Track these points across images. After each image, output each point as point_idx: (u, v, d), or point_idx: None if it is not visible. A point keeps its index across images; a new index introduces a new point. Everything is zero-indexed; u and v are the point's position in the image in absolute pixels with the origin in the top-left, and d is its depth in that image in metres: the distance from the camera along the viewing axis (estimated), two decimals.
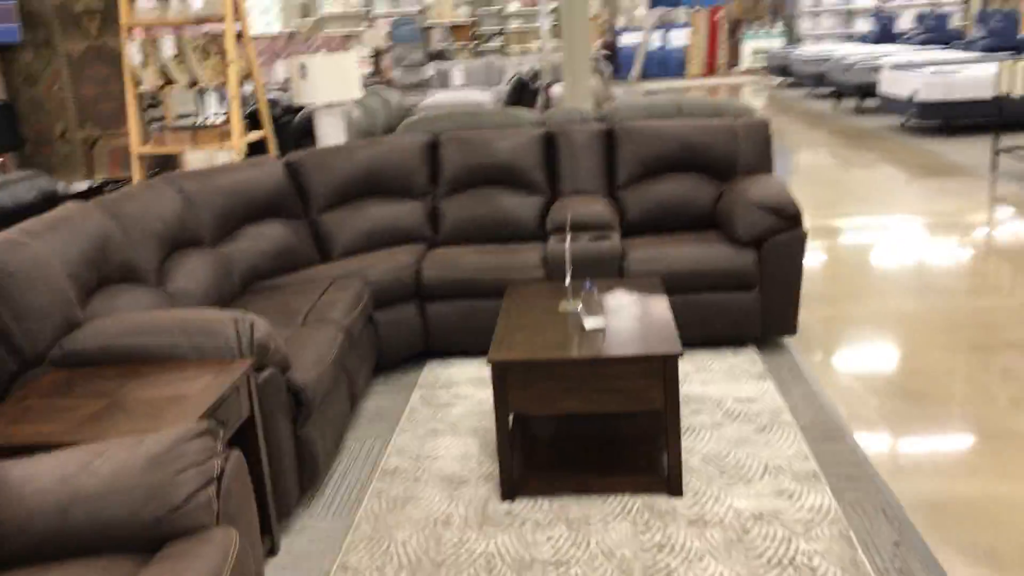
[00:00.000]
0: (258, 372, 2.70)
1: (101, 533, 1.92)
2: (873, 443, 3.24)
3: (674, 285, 4.04)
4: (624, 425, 3.33)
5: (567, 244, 3.32)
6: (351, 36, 15.67)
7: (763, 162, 4.57)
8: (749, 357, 4.06)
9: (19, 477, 1.99)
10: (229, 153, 5.57)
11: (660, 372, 2.84)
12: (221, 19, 5.07)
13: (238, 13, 5.23)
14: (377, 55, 15.07)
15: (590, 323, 3.06)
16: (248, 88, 6.00)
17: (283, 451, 2.81)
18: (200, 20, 5.10)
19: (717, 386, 3.77)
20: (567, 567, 2.58)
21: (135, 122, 5.09)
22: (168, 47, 5.02)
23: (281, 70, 13.26)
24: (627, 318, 3.16)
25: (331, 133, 5.49)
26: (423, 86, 13.96)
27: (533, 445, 3.25)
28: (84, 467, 1.98)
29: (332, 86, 5.37)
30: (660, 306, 3.27)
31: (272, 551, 2.75)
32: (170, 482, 1.93)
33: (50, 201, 3.58)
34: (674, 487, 2.94)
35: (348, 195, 4.53)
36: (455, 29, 17.54)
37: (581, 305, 3.10)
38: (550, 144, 4.68)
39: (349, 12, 17.44)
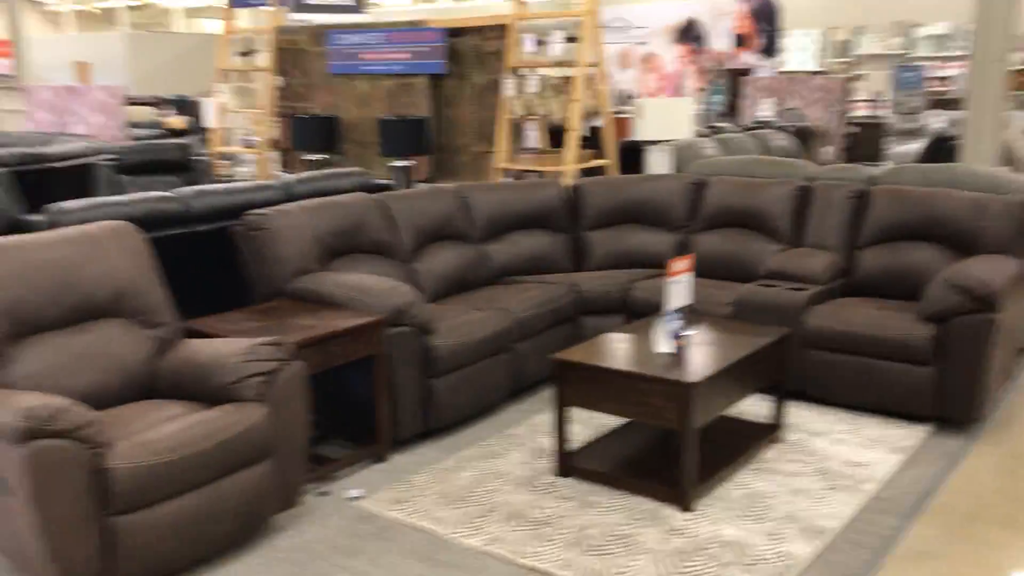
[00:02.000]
0: (393, 328, 3.73)
1: (196, 387, 3.14)
2: (923, 538, 3.17)
3: (846, 346, 4.12)
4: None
5: (690, 282, 3.76)
6: (854, 78, 15.62)
7: (1013, 244, 4.28)
8: (912, 432, 3.97)
9: (192, 349, 3.30)
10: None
11: (676, 396, 3.24)
12: (573, 64, 6.14)
13: (593, 61, 6.25)
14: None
15: (659, 346, 3.53)
16: (598, 121, 6.96)
17: (406, 391, 3.80)
18: (560, 64, 6.24)
19: (843, 447, 3.83)
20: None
21: (503, 142, 6.42)
22: (533, 85, 6.25)
23: (768, 106, 13.92)
24: (698, 351, 3.54)
25: (657, 166, 6.23)
26: (914, 134, 13.51)
27: (597, 438, 3.80)
28: (211, 347, 3.22)
29: (663, 125, 6.11)
30: (741, 347, 3.57)
31: (379, 458, 3.77)
32: (237, 366, 3.07)
33: (364, 190, 4.97)
34: (684, 502, 3.31)
35: (613, 219, 5.29)
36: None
37: (674, 332, 3.56)
38: (805, 197, 4.91)
39: (889, 52, 17.31)
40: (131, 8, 35.57)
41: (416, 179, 6.84)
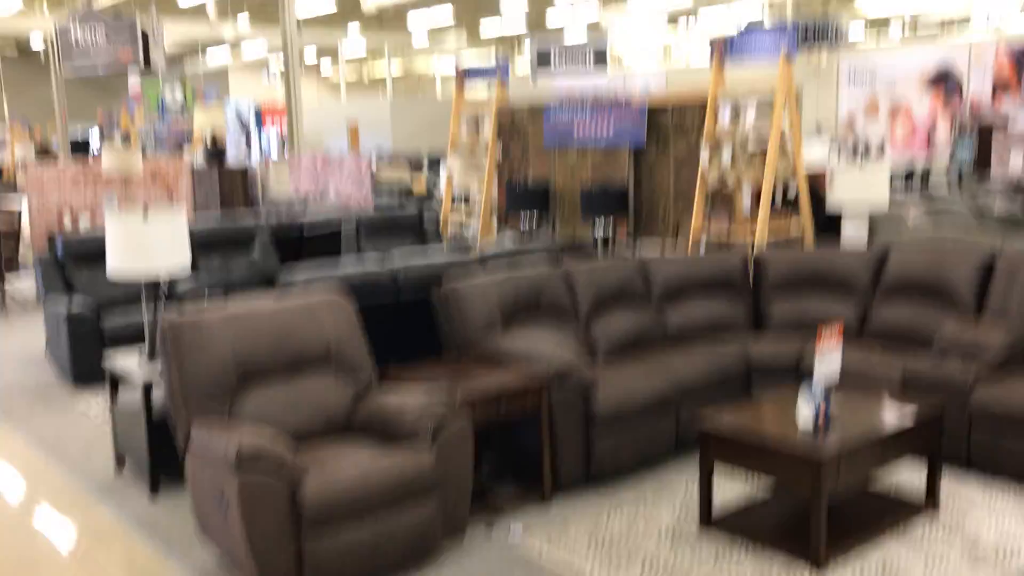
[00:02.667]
0: (557, 387, 4.17)
1: (383, 429, 3.73)
2: None
3: (1012, 426, 4.06)
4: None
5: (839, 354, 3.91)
6: None
7: None
8: None
9: (382, 397, 3.91)
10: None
11: (807, 467, 3.43)
12: (767, 135, 6.36)
13: (787, 130, 6.44)
14: None
15: (801, 416, 3.71)
16: (792, 185, 7.03)
17: (568, 443, 4.22)
18: (746, 137, 6.47)
19: (999, 522, 3.79)
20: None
21: (698, 209, 6.73)
22: (728, 155, 6.53)
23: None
24: (840, 423, 3.68)
25: (852, 233, 6.27)
26: None
27: (747, 497, 3.99)
28: (397, 396, 3.81)
29: (857, 191, 6.16)
30: (885, 422, 3.68)
31: (543, 496, 4.20)
32: (414, 415, 3.63)
33: (551, 258, 5.45)
34: (816, 565, 3.47)
35: (793, 286, 5.44)
36: None
37: (818, 402, 3.73)
38: (991, 267, 4.84)
39: None
40: (396, 78, 38.90)
41: (616, 242, 7.28)
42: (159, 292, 4.63)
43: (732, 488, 4.24)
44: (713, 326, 5.38)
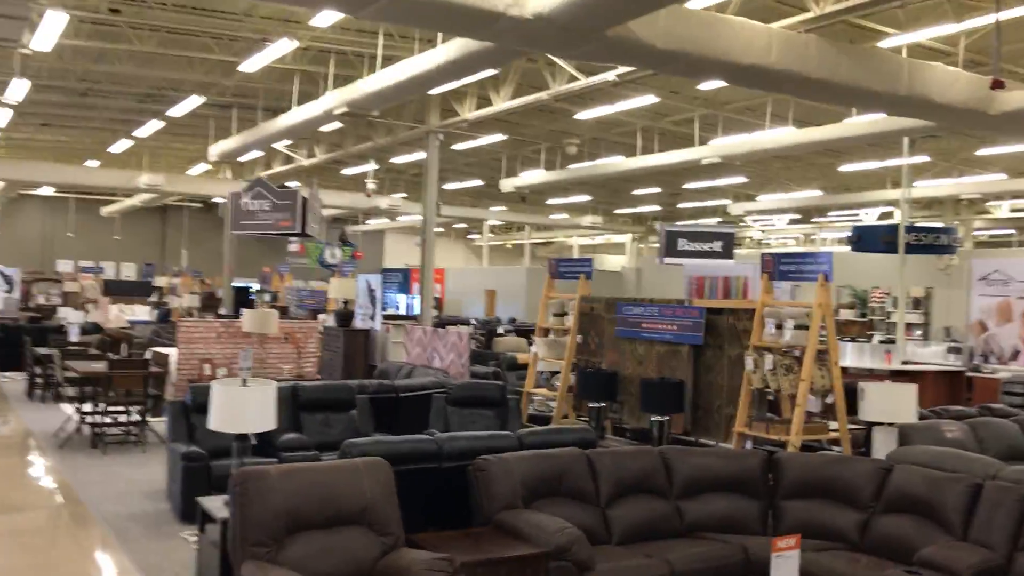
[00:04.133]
0: (555, 561, 4.82)
1: None
2: None
3: None
4: None
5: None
6: None
7: None
8: None
9: (401, 555, 4.68)
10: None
11: None
12: (803, 348, 6.97)
13: (822, 346, 7.02)
14: None
15: None
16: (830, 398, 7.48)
17: None
18: (790, 346, 7.09)
19: None
20: None
21: (743, 408, 7.31)
22: (769, 362, 7.15)
23: None
24: None
25: (881, 447, 6.67)
26: None
27: None
28: (411, 555, 4.57)
29: (885, 408, 6.63)
30: None
31: None
32: (419, 570, 4.38)
33: (585, 444, 6.14)
34: None
35: (806, 492, 5.91)
36: None
37: None
38: (978, 495, 5.22)
39: None
40: (536, 244, 40.87)
41: (672, 433, 7.89)
42: (246, 445, 5.63)
43: None
44: (728, 522, 5.88)
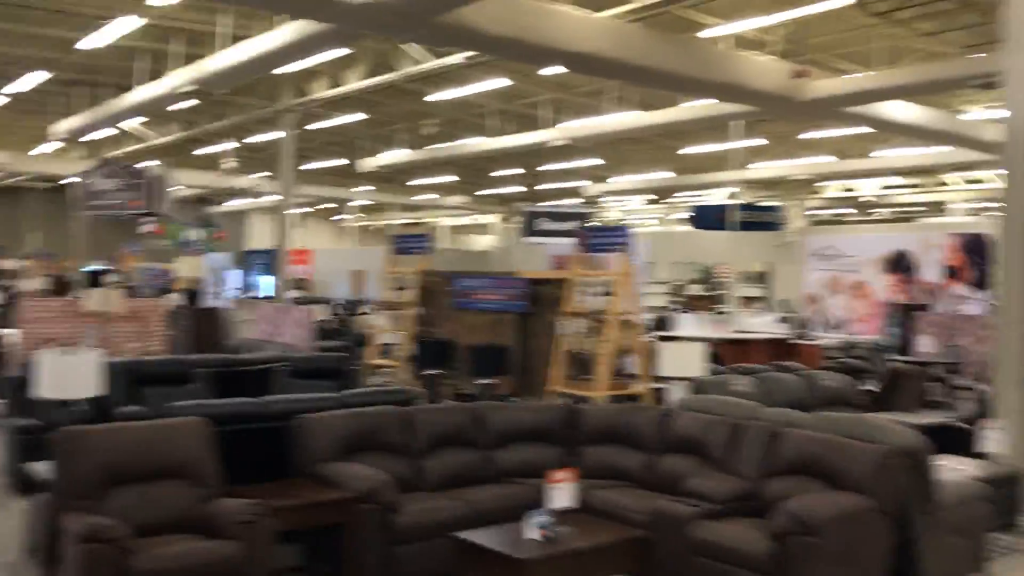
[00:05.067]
0: (362, 504, 5.30)
1: (210, 526, 4.88)
2: None
3: (709, 553, 5.14)
4: None
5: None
6: None
7: (871, 485, 5.16)
8: None
9: (217, 503, 5.07)
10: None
11: (510, 567, 4.53)
12: (605, 313, 7.67)
13: (625, 311, 7.75)
14: None
15: (526, 534, 4.82)
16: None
17: (369, 551, 5.32)
18: (596, 312, 7.79)
19: None
20: None
21: (557, 368, 7.97)
22: (577, 327, 7.83)
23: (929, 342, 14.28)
24: (557, 540, 4.79)
25: (674, 398, 7.45)
26: None
27: None
28: (224, 503, 4.97)
29: (679, 364, 7.40)
30: (590, 541, 4.78)
31: None
32: (230, 516, 4.79)
33: (403, 403, 6.65)
34: None
35: (604, 438, 6.59)
36: None
37: (541, 525, 4.84)
38: (738, 433, 6.00)
39: None
40: (406, 224, 41.10)
41: (499, 394, 8.50)
42: (76, 411, 5.88)
43: None
44: (533, 467, 6.48)
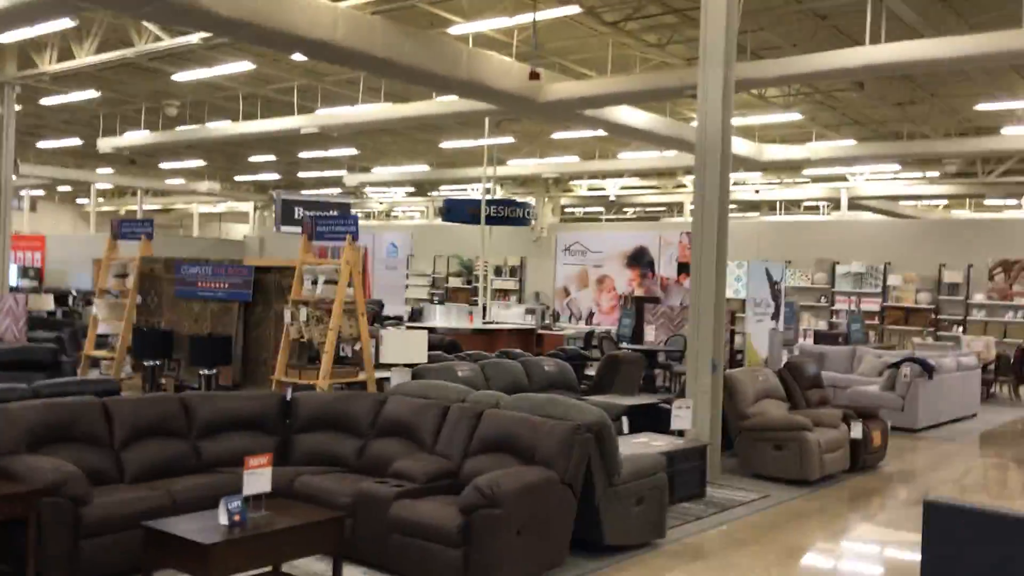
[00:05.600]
0: (47, 497, 5.05)
1: None
2: None
3: (407, 529, 5.34)
4: None
5: None
6: None
7: (557, 458, 5.56)
8: None
9: None
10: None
11: (200, 553, 4.49)
12: (331, 302, 7.72)
13: (349, 299, 7.82)
14: None
15: (219, 519, 4.78)
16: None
17: (55, 546, 5.07)
18: (322, 300, 7.82)
19: None
20: None
21: (283, 357, 7.91)
22: (304, 314, 7.81)
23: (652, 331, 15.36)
24: (250, 524, 4.80)
25: (397, 380, 7.63)
26: None
27: None
28: None
29: (402, 351, 7.57)
30: (283, 523, 4.83)
31: None
32: None
33: (107, 394, 6.40)
34: None
35: (318, 425, 6.64)
36: None
37: (233, 510, 4.81)
38: (445, 415, 6.25)
39: (813, 286, 19.02)
40: (155, 211, 38.88)
41: (222, 385, 8.31)
42: None
43: None
44: (243, 456, 6.41)
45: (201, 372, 8.15)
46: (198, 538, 4.55)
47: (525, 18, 12.72)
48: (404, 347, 7.61)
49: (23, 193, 33.69)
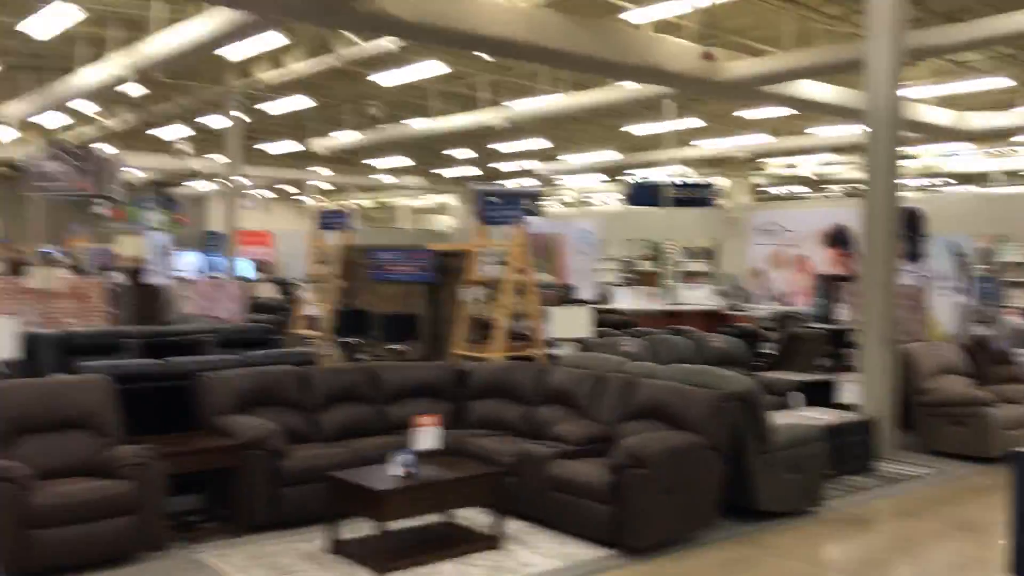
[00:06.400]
0: (251, 450, 5.88)
1: (108, 470, 5.45)
2: None
3: (561, 486, 5.78)
4: None
5: None
6: None
7: (705, 424, 5.81)
8: (591, 551, 5.50)
9: (117, 450, 5.64)
10: None
11: (376, 500, 5.14)
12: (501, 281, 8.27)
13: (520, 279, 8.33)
14: None
15: (390, 471, 5.42)
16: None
17: (256, 494, 5.90)
18: (494, 280, 8.38)
19: (535, 555, 5.45)
20: None
21: (460, 332, 8.56)
22: (477, 294, 8.42)
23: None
24: (419, 477, 5.40)
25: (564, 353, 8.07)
26: None
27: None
28: (122, 449, 5.53)
29: (568, 326, 8.01)
30: (448, 476, 5.40)
31: (235, 534, 5.85)
32: (124, 459, 5.36)
33: (304, 363, 7.22)
34: (379, 569, 5.12)
35: (488, 393, 7.20)
36: None
37: (403, 463, 5.43)
38: (600, 383, 6.63)
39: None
40: (366, 208, 41.44)
41: (409, 358, 9.09)
42: None
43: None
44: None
45: (391, 346, 8.94)
46: (374, 485, 5.20)
47: (698, 1, 12.77)
48: (571, 323, 8.04)
49: (254, 192, 36.91)
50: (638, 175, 30.79)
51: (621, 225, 26.99)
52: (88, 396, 5.75)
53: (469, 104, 20.38)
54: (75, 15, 13.32)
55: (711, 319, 17.46)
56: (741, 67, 13.53)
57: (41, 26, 14.05)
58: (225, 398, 6.38)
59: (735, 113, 20.56)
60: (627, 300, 17.99)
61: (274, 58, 16.86)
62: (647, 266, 26.56)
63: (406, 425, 6.94)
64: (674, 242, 25.63)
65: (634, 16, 13.33)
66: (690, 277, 25.12)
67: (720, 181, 23.74)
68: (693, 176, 26.10)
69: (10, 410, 5.46)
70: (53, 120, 21.88)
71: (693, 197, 18.54)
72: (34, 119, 21.24)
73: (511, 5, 11.28)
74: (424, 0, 10.42)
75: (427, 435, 5.56)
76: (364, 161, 31.08)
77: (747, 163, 26.99)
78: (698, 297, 19.43)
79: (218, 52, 14.32)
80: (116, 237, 20.56)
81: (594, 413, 6.54)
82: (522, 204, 8.39)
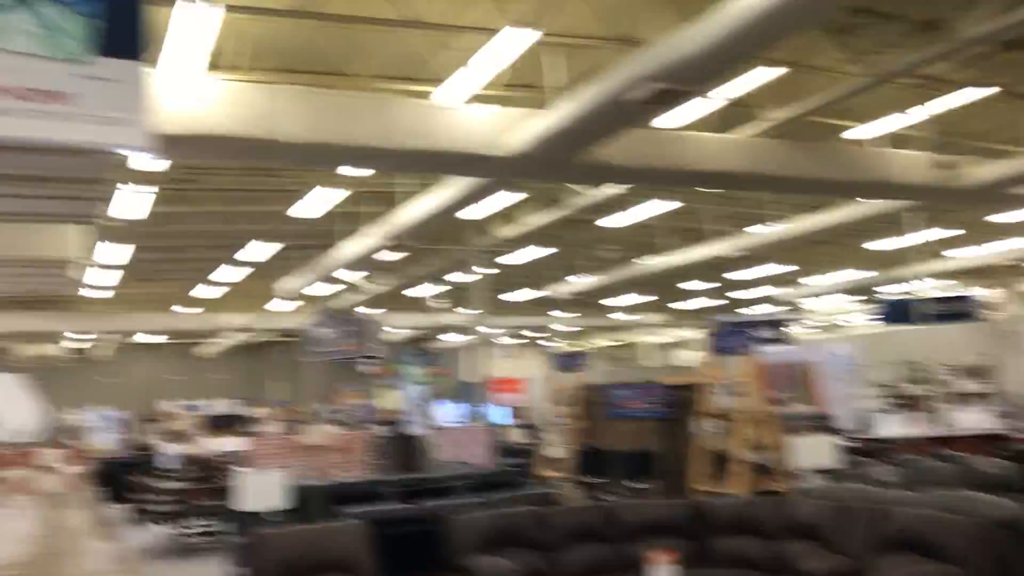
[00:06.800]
0: None
1: None
2: None
3: None
4: None
5: None
6: None
7: (966, 554, 5.34)
8: None
9: None
10: None
11: None
12: (736, 412, 8.14)
13: (758, 406, 8.19)
14: None
15: None
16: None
17: None
18: (726, 411, 8.26)
19: None
20: None
21: (695, 466, 8.45)
22: (712, 426, 8.32)
23: None
24: None
25: (812, 485, 7.71)
26: None
27: None
28: None
29: (814, 455, 7.70)
30: None
31: None
32: None
33: (544, 503, 7.37)
34: None
35: (733, 527, 7.01)
36: None
37: None
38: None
39: None
40: (611, 347, 41.96)
41: (647, 494, 9.04)
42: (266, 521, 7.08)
43: None
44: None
45: (631, 485, 8.96)
46: None
47: (925, 111, 12.38)
48: (816, 453, 7.72)
49: (502, 341, 38.64)
50: (889, 292, 29.30)
51: (877, 346, 25.50)
52: (347, 540, 6.24)
53: (699, 236, 20.54)
54: (336, 196, 15.03)
55: (988, 443, 15.96)
56: (984, 171, 12.83)
57: (308, 209, 15.97)
58: (469, 539, 6.67)
59: (986, 218, 19.31)
60: (892, 427, 16.85)
61: (508, 214, 17.99)
62: (912, 389, 24.79)
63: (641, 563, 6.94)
64: (941, 362, 23.80)
65: (857, 133, 13.15)
66: (964, 398, 23.12)
67: (983, 292, 22.07)
68: (953, 288, 24.46)
69: (280, 553, 6.04)
70: (321, 290, 24.33)
71: (954, 311, 17.39)
72: (306, 291, 23.73)
73: (727, 138, 11.51)
74: (641, 144, 10.89)
75: (663, 572, 5.51)
76: (601, 301, 31.76)
77: (1011, 270, 24.96)
78: (974, 420, 17.86)
79: (459, 215, 15.56)
80: (378, 392, 22.19)
81: (839, 545, 6.20)
82: (757, 332, 8.32)
